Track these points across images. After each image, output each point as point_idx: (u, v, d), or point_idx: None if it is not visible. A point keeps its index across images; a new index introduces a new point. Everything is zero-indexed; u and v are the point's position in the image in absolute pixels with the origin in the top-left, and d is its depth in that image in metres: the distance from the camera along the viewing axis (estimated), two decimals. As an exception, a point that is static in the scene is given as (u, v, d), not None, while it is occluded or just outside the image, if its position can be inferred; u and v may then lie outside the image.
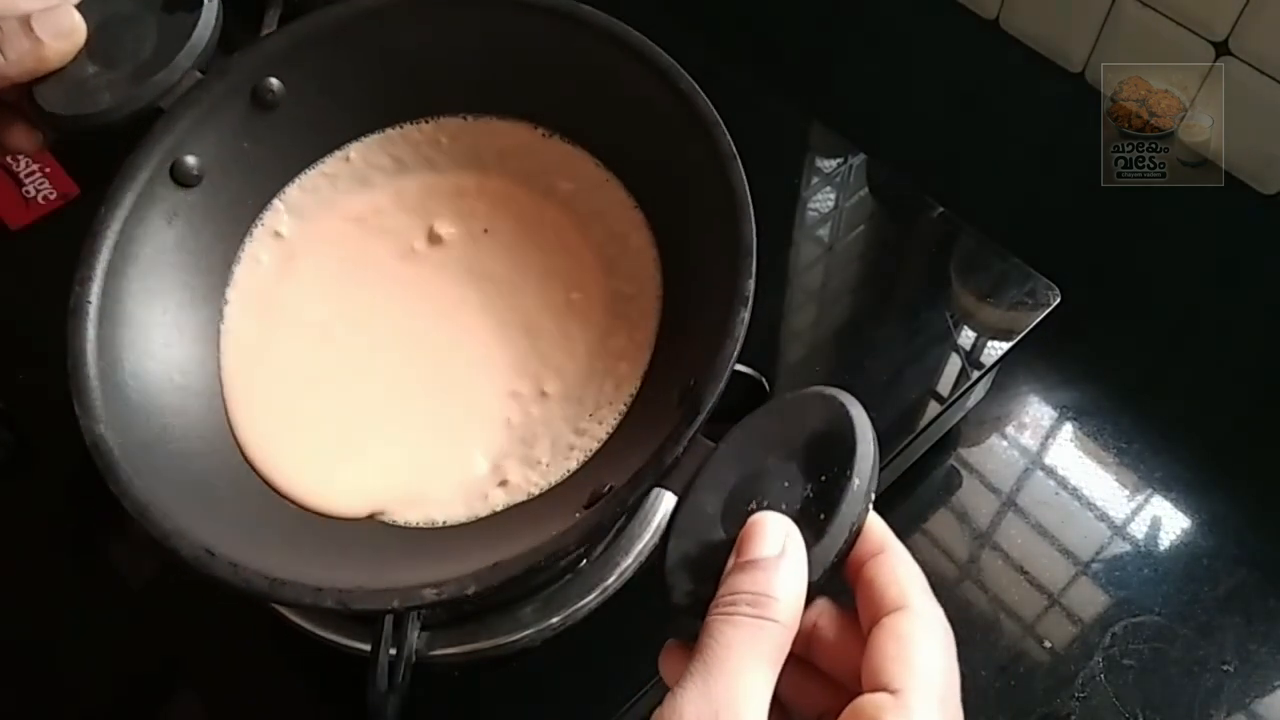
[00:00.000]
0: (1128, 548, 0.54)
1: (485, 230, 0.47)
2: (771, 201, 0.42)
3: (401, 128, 0.48)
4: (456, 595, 0.33)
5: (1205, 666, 0.50)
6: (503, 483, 0.41)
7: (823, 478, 0.31)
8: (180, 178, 0.43)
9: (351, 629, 0.45)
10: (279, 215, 0.46)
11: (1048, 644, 0.51)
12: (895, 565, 0.31)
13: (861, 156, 0.63)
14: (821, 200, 0.61)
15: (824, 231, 0.60)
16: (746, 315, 0.36)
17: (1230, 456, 0.58)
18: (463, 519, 0.40)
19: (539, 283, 0.45)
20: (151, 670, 0.47)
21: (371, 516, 0.40)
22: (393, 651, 0.41)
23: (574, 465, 0.40)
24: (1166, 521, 0.55)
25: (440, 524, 0.40)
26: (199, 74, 0.44)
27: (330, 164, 0.47)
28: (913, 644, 0.29)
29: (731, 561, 0.30)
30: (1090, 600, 0.52)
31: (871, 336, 0.55)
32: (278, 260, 0.46)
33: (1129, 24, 0.61)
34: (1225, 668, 0.50)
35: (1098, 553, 0.54)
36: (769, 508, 0.31)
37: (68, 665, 0.47)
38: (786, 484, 0.31)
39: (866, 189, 0.62)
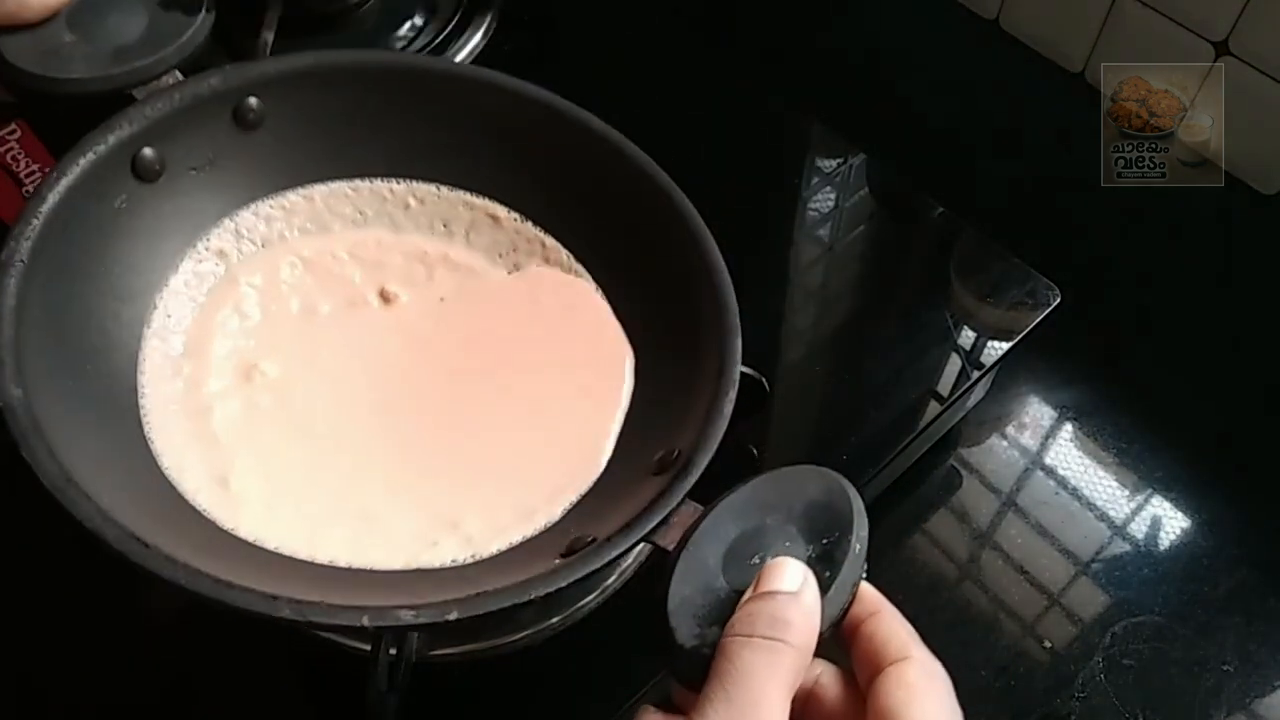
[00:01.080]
0: (1128, 548, 0.54)
1: (441, 299, 0.46)
2: (771, 201, 0.42)
3: (372, 181, 0.47)
4: (435, 620, 0.32)
5: (1205, 666, 0.50)
6: (454, 525, 0.40)
7: (824, 540, 0.33)
8: (139, 168, 0.41)
9: (351, 627, 0.45)
10: (228, 235, 0.45)
11: (1048, 644, 0.51)
12: (893, 621, 0.32)
13: (861, 156, 0.63)
14: (821, 200, 0.61)
15: (824, 231, 0.60)
16: (734, 395, 0.38)
17: (1230, 456, 0.58)
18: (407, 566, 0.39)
19: (492, 360, 0.45)
20: (150, 669, 0.47)
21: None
22: (393, 651, 0.41)
23: (538, 527, 0.40)
24: (1166, 521, 0.55)
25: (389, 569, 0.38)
26: (179, 75, 0.43)
27: (292, 198, 0.46)
28: (918, 691, 0.30)
29: (748, 594, 0.31)
30: (1090, 600, 0.52)
31: (871, 336, 0.55)
32: (216, 280, 0.44)
33: (1129, 24, 0.60)
34: (1225, 668, 0.50)
35: (1098, 553, 0.54)
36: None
37: (66, 665, 0.47)
38: (788, 544, 0.33)
39: (866, 189, 0.62)
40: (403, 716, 0.38)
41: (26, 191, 0.60)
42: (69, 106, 0.41)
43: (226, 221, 0.45)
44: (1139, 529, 0.55)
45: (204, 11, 0.44)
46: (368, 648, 0.41)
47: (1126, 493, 0.56)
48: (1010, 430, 0.58)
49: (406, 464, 0.42)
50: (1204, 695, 0.49)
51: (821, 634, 0.31)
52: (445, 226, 0.48)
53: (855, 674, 0.32)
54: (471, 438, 0.43)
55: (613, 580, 0.47)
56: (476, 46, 0.69)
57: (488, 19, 0.70)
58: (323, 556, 0.38)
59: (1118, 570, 0.53)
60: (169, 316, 0.43)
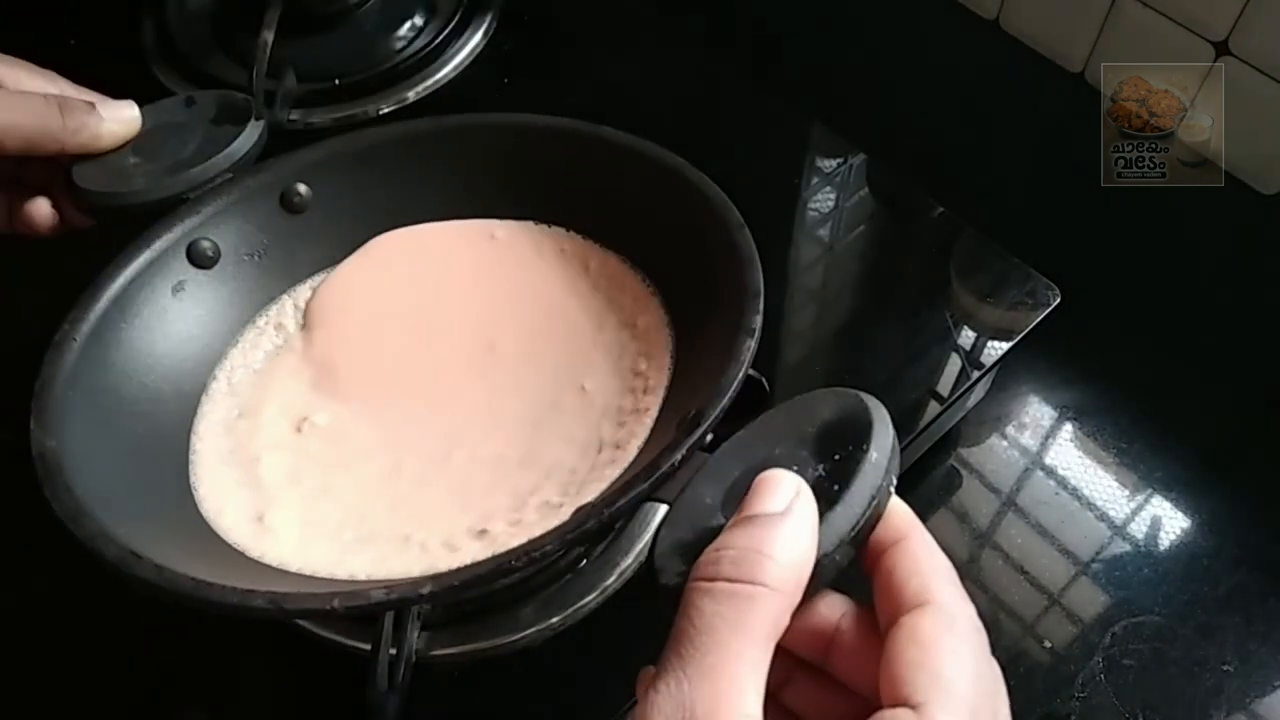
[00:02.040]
0: (1128, 548, 0.54)
1: (500, 323, 0.47)
2: (771, 201, 0.43)
3: (422, 225, 0.49)
4: (407, 596, 0.31)
5: (1205, 666, 0.50)
6: (482, 533, 0.40)
7: (836, 456, 0.28)
8: (195, 257, 0.45)
9: (351, 629, 0.45)
10: (286, 310, 0.48)
11: (1048, 644, 0.51)
12: (918, 553, 0.27)
13: (861, 156, 0.63)
14: (821, 200, 0.62)
15: (824, 231, 0.60)
16: (752, 344, 0.37)
17: (1230, 456, 0.58)
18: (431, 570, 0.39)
19: (550, 370, 0.45)
20: (150, 669, 0.47)
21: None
22: (393, 651, 0.41)
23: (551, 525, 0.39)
24: (1166, 521, 0.55)
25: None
26: (229, 175, 0.46)
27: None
28: (935, 648, 0.25)
29: (729, 521, 0.26)
30: (1090, 600, 0.52)
31: (871, 336, 0.55)
32: (274, 349, 0.47)
33: (1129, 24, 0.60)
34: (1225, 668, 0.50)
35: (1098, 553, 0.54)
36: None
37: (66, 664, 0.47)
38: (796, 467, 0.28)
39: (866, 189, 0.62)
40: (403, 716, 0.38)
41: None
42: (131, 218, 0.45)
43: (285, 298, 0.48)
44: (1139, 529, 0.55)
45: (253, 120, 0.47)
46: (368, 647, 0.41)
47: (1126, 493, 0.56)
48: (1010, 430, 0.58)
49: (449, 487, 0.42)
50: (1204, 695, 0.49)
51: (833, 558, 0.26)
52: (500, 254, 0.49)
53: (876, 614, 0.27)
54: (518, 445, 0.43)
55: (612, 580, 0.47)
56: (476, 47, 0.69)
57: (488, 19, 0.70)
58: (344, 574, 0.39)
59: (1118, 570, 0.53)
60: (228, 384, 0.45)
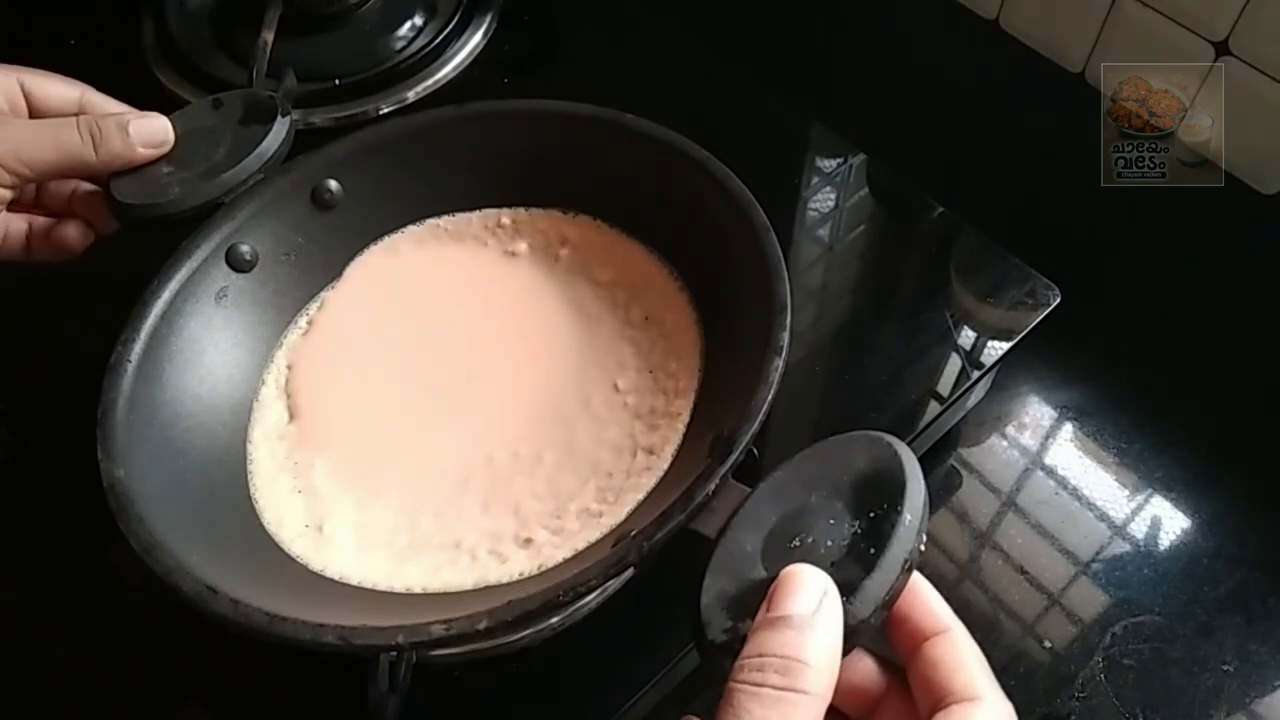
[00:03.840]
0: (1128, 548, 0.54)
1: (533, 317, 0.48)
2: (772, 201, 0.43)
3: (453, 215, 0.50)
4: (466, 630, 0.33)
5: (1205, 666, 0.50)
6: (527, 541, 0.41)
7: (871, 514, 0.30)
8: (234, 262, 0.46)
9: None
10: (326, 305, 0.49)
11: (1048, 644, 0.51)
12: (962, 648, 0.28)
13: (861, 156, 0.63)
14: (821, 200, 0.61)
15: (824, 231, 0.60)
16: (780, 363, 0.37)
17: (1230, 456, 0.58)
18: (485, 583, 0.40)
19: (581, 367, 0.46)
20: (150, 669, 0.47)
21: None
22: (393, 652, 0.41)
23: (604, 530, 0.40)
24: (1166, 521, 0.55)
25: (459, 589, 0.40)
26: (261, 176, 0.47)
27: (376, 257, 0.50)
28: None
29: (761, 614, 0.28)
30: (1090, 600, 0.52)
31: (871, 336, 0.55)
32: (319, 345, 0.47)
33: (1129, 24, 0.60)
34: (1225, 668, 0.50)
35: (1098, 553, 0.54)
36: (814, 544, 0.29)
37: (66, 665, 0.47)
38: (832, 521, 0.30)
39: (866, 189, 0.62)
40: (403, 716, 0.38)
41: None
42: (169, 226, 0.45)
43: (325, 294, 0.49)
44: (1139, 529, 0.55)
45: (279, 117, 0.48)
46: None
47: (1126, 493, 0.56)
48: (1010, 430, 0.58)
49: (492, 490, 0.43)
50: (1204, 695, 0.49)
51: (869, 623, 0.27)
52: (526, 247, 0.50)
53: (914, 696, 0.28)
54: (554, 445, 0.44)
55: (613, 580, 0.47)
56: (476, 46, 0.69)
57: (488, 19, 0.70)
58: (401, 586, 0.40)
59: (1118, 570, 0.53)
60: (276, 387, 0.46)
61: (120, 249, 0.47)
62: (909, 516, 0.29)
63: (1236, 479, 0.57)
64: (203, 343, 0.44)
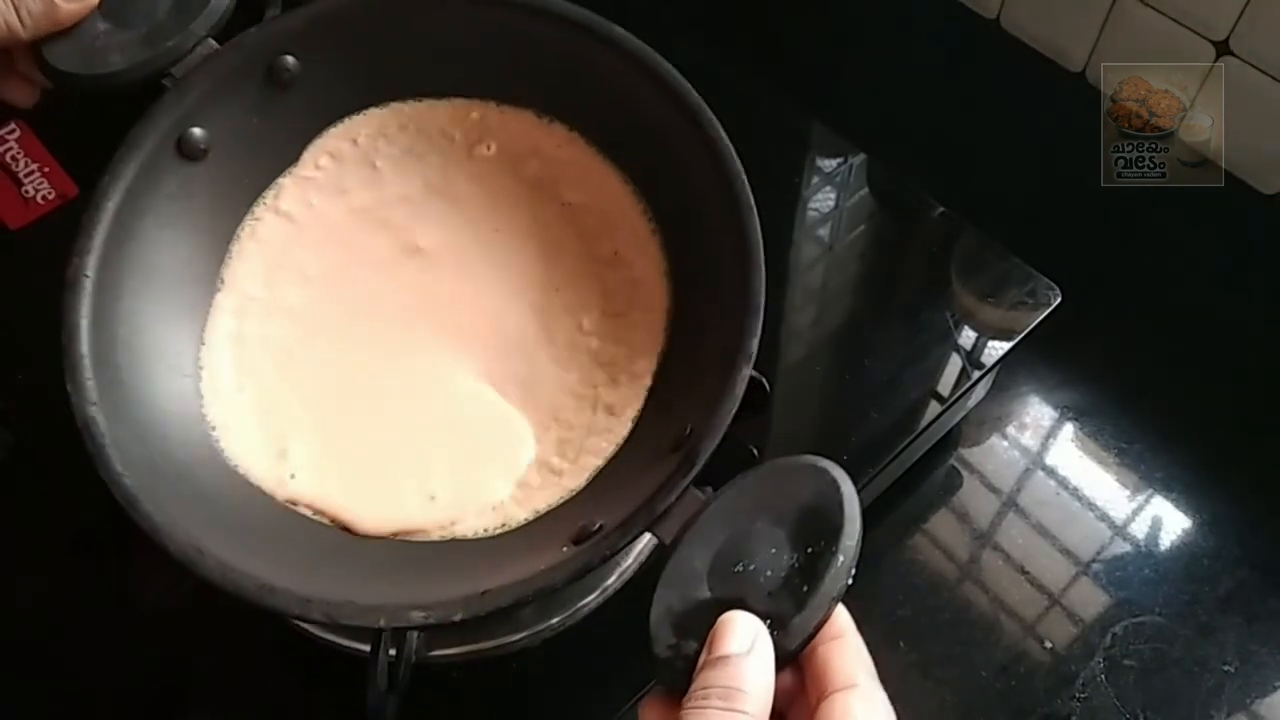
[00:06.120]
0: (1128, 548, 0.54)
1: (496, 230, 0.46)
2: (771, 201, 0.42)
3: (417, 102, 0.46)
4: (443, 620, 0.34)
5: (1206, 667, 0.50)
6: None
7: (809, 549, 0.32)
8: (186, 151, 0.42)
9: (351, 629, 0.45)
10: (281, 194, 0.45)
11: (1048, 644, 0.51)
12: (851, 648, 0.32)
13: (861, 156, 0.63)
14: (821, 200, 0.61)
15: (824, 231, 0.60)
16: (748, 372, 0.37)
17: (1230, 456, 0.58)
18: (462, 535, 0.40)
19: (545, 296, 0.44)
20: (150, 669, 0.47)
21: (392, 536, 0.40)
22: (393, 652, 0.41)
23: (565, 493, 0.40)
24: (1167, 521, 0.55)
25: (442, 539, 0.40)
26: (213, 43, 0.43)
27: (335, 143, 0.46)
28: (861, 717, 0.30)
29: (703, 658, 0.31)
30: (1091, 600, 0.52)
31: (871, 336, 0.55)
32: (276, 242, 0.44)
33: (1129, 24, 0.60)
34: (1226, 668, 0.50)
35: (1098, 553, 0.54)
36: (755, 572, 0.32)
37: (66, 665, 0.47)
38: (773, 550, 0.33)
39: (866, 189, 0.62)
40: (403, 717, 0.38)
41: (25, 192, 0.60)
42: (112, 96, 0.42)
43: (281, 180, 0.45)
44: (1139, 529, 0.55)
45: None
46: (367, 647, 0.41)
47: (1127, 493, 0.56)
48: (1011, 430, 0.58)
49: (449, 426, 0.42)
50: (1205, 695, 0.49)
51: (792, 654, 0.31)
52: (495, 149, 0.46)
53: (808, 693, 0.32)
54: (517, 389, 0.43)
55: (612, 580, 0.47)
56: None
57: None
58: (367, 517, 0.39)
59: (1118, 570, 0.53)
60: (235, 289, 0.43)
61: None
62: (842, 557, 0.32)
63: (1237, 479, 0.57)
64: (160, 243, 0.41)
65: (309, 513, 0.40)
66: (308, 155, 0.46)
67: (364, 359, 0.43)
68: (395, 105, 0.46)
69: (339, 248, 0.45)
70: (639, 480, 0.37)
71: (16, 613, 0.49)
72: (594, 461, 0.41)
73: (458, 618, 0.33)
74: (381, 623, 0.34)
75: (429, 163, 0.47)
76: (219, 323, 0.43)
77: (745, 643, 0.31)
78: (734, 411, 0.36)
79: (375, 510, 0.40)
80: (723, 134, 0.42)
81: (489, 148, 0.47)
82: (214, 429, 0.40)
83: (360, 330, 0.44)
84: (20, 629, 0.48)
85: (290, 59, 0.44)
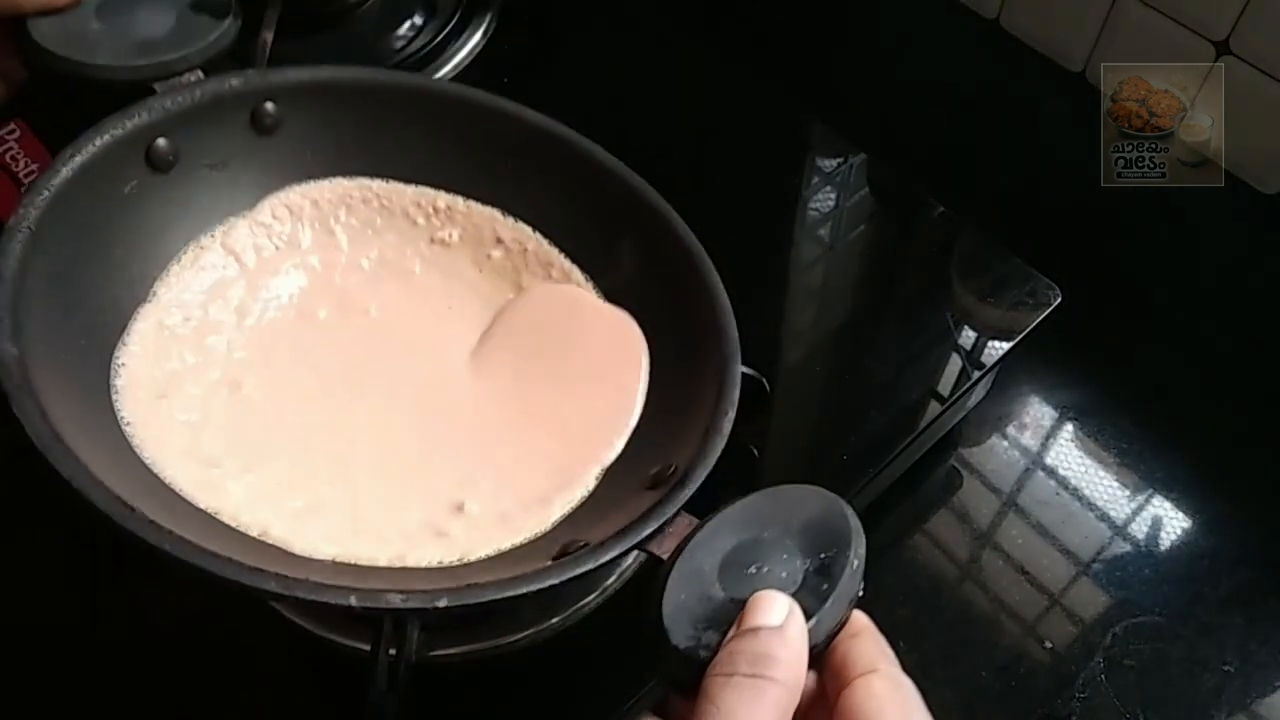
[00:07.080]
0: (1128, 548, 0.54)
1: (449, 307, 0.47)
2: (771, 201, 0.42)
3: (387, 182, 0.48)
4: (424, 605, 0.32)
5: (1206, 667, 0.50)
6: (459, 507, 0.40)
7: (822, 555, 0.32)
8: (152, 157, 0.42)
9: (351, 628, 0.45)
10: (236, 233, 0.45)
11: (1048, 644, 0.51)
12: (872, 641, 0.31)
13: (861, 156, 0.63)
14: (821, 200, 0.61)
15: (824, 231, 0.60)
16: (733, 415, 0.39)
17: (1231, 457, 0.58)
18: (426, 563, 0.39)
19: (501, 368, 0.45)
20: (149, 667, 0.47)
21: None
22: (393, 652, 0.41)
23: (518, 541, 0.40)
24: (1167, 521, 0.55)
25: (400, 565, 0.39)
26: (200, 74, 0.44)
27: (301, 201, 0.47)
28: (888, 700, 0.29)
29: (732, 631, 0.30)
30: (1091, 600, 0.52)
31: (871, 336, 0.55)
32: (220, 274, 0.44)
33: (1129, 24, 0.60)
34: (1226, 668, 0.50)
35: (1098, 553, 0.54)
36: (770, 573, 0.32)
37: (65, 662, 0.47)
38: (785, 556, 0.33)
39: (866, 189, 0.62)
40: (403, 716, 0.38)
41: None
42: (88, 92, 0.42)
43: (235, 220, 0.45)
44: (1140, 529, 0.55)
45: (231, 16, 0.45)
46: (367, 647, 0.41)
47: (1127, 493, 0.56)
48: (1011, 430, 0.58)
49: (397, 460, 0.42)
50: (1205, 696, 0.49)
51: (815, 652, 0.30)
52: (457, 237, 0.48)
53: (826, 690, 0.31)
54: (468, 442, 0.43)
55: (612, 580, 0.47)
56: (476, 46, 0.69)
57: (487, 19, 0.70)
58: (305, 545, 0.37)
59: (1118, 570, 0.53)
60: (167, 304, 0.43)
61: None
62: (855, 562, 0.32)
63: (1237, 479, 0.57)
64: (104, 229, 0.41)
65: (233, 524, 0.38)
66: (265, 204, 0.46)
67: (291, 400, 0.42)
68: (363, 180, 0.48)
69: (280, 296, 0.45)
70: (617, 511, 0.38)
71: (15, 613, 0.49)
72: (562, 510, 0.41)
73: (442, 604, 0.32)
74: (352, 600, 0.32)
75: (386, 239, 0.48)
76: (140, 330, 0.42)
77: (780, 616, 0.30)
78: (720, 449, 0.38)
79: (309, 535, 0.38)
80: (675, 218, 0.44)
81: (450, 235, 0.48)
82: (128, 424, 0.39)
83: (289, 374, 0.43)
84: (19, 628, 0.48)
85: (275, 106, 0.45)
